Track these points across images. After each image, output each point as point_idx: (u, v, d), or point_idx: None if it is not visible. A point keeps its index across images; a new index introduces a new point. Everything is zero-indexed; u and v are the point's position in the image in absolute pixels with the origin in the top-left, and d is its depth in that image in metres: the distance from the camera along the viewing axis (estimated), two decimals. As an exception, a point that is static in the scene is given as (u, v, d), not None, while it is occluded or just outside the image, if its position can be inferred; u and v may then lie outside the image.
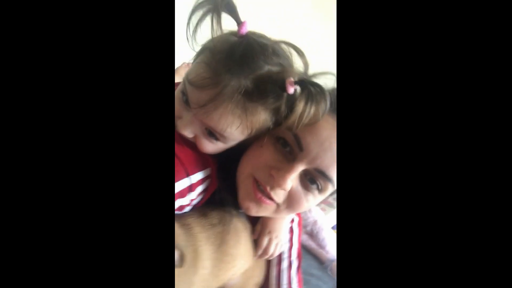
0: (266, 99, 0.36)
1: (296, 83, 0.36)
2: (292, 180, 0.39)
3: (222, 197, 0.46)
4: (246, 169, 0.43)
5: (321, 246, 0.98)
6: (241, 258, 0.46)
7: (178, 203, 0.41)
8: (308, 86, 0.36)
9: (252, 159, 0.42)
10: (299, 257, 0.56)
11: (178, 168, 0.40)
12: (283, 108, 0.38)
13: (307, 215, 1.03)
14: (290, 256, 0.54)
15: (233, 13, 0.36)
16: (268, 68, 0.36)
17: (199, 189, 0.43)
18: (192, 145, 0.42)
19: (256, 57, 0.36)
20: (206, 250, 0.41)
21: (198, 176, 0.42)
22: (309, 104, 0.36)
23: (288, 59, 0.39)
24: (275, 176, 0.39)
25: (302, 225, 1.00)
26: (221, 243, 0.43)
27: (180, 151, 0.41)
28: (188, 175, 0.40)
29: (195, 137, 0.41)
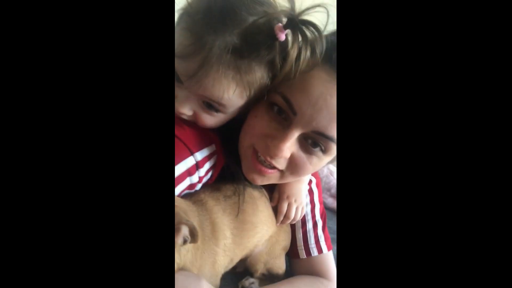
0: (258, 53, 0.34)
1: (285, 27, 0.33)
2: (289, 147, 0.38)
3: (232, 171, 0.46)
4: (245, 141, 0.42)
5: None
6: (263, 225, 0.46)
7: (187, 181, 0.42)
8: (299, 26, 0.33)
9: (249, 129, 0.42)
10: (323, 216, 0.55)
11: (180, 147, 0.40)
12: (278, 59, 0.35)
13: (329, 178, 1.02)
14: (314, 216, 0.54)
15: None
16: (252, 18, 0.34)
17: (207, 165, 0.44)
18: (192, 124, 0.42)
19: (237, 9, 0.33)
20: (224, 221, 0.41)
21: (203, 153, 0.42)
22: (303, 46, 0.33)
23: (271, 4, 0.36)
24: (270, 145, 0.38)
25: (326, 188, 0.99)
26: (239, 213, 0.43)
27: (180, 131, 0.41)
28: (192, 153, 0.41)
29: (194, 114, 0.40)
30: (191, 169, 0.41)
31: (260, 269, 0.48)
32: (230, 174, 0.46)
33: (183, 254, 0.35)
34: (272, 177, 0.43)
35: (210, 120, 0.40)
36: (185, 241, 0.32)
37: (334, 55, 0.34)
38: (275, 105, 0.38)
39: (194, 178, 0.42)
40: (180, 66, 0.36)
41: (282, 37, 0.33)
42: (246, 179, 0.46)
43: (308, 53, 0.34)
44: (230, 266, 0.45)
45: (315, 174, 0.57)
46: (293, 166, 0.40)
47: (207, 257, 0.38)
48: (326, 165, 0.45)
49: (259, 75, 0.36)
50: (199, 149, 0.41)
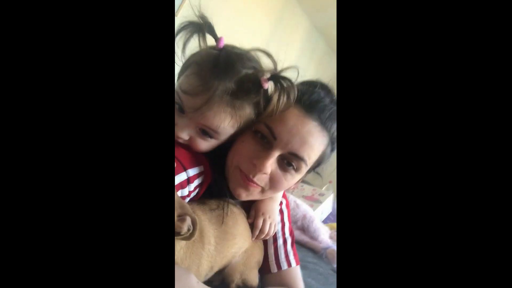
0: (248, 96, 0.47)
1: (269, 79, 0.47)
2: (270, 165, 0.49)
3: (218, 188, 0.54)
4: (233, 162, 0.52)
5: (314, 238, 1.04)
6: (241, 237, 0.53)
7: (179, 193, 0.48)
8: (279, 80, 0.47)
9: (236, 153, 0.52)
10: (291, 234, 0.64)
11: (176, 164, 0.48)
12: (262, 101, 0.49)
13: (296, 211, 1.10)
14: (284, 234, 0.62)
15: (212, 32, 0.48)
16: (245, 71, 0.47)
17: (196, 182, 0.51)
18: (186, 146, 0.51)
19: (236, 64, 0.46)
20: (209, 229, 0.47)
21: (194, 171, 0.50)
22: (282, 94, 0.47)
23: (258, 62, 0.50)
24: (256, 163, 0.49)
25: (293, 221, 1.07)
26: (221, 224, 0.50)
27: (176, 151, 0.49)
28: (185, 169, 0.48)
29: (190, 139, 0.50)
30: (183, 182, 0.48)
31: (236, 279, 0.53)
32: (216, 191, 0.54)
33: (177, 249, 0.40)
34: (255, 192, 0.53)
35: (204, 144, 0.50)
36: (188, 230, 0.37)
37: (304, 99, 0.49)
38: (259, 132, 0.50)
39: (185, 191, 0.49)
40: (187, 101, 0.46)
41: (266, 86, 0.47)
42: (230, 196, 0.54)
43: (285, 98, 0.48)
44: (210, 274, 0.49)
45: (284, 196, 0.66)
46: (272, 182, 0.51)
47: (195, 257, 0.43)
48: (294, 187, 0.56)
49: (248, 111, 0.49)
50: (191, 167, 0.50)
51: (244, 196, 0.53)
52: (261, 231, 0.58)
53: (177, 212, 0.37)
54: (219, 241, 0.48)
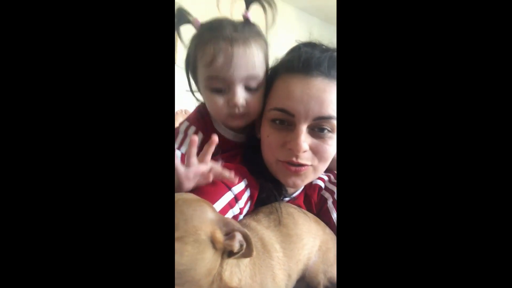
0: (250, 33, 0.53)
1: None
2: (305, 141, 0.46)
3: (268, 192, 0.52)
4: (271, 159, 0.51)
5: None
6: (308, 236, 0.49)
7: (230, 213, 0.47)
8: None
9: (268, 148, 0.50)
10: None
11: (218, 185, 0.47)
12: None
13: None
14: None
15: (186, 20, 0.54)
16: (226, 21, 0.53)
17: (244, 197, 0.49)
18: (227, 164, 0.50)
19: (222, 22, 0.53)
20: (271, 236, 0.45)
21: (239, 187, 0.49)
22: (266, 9, 0.54)
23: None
24: (291, 147, 0.46)
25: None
26: (281, 227, 0.46)
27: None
28: (229, 188, 0.47)
29: (246, 103, 0.51)
30: (231, 202, 0.47)
31: (322, 280, 0.48)
32: (266, 197, 0.51)
33: (242, 269, 0.37)
34: (308, 173, 0.50)
35: (255, 99, 0.51)
36: (241, 246, 0.35)
37: (295, 64, 0.47)
38: (276, 119, 0.48)
39: (236, 210, 0.48)
40: (213, 70, 0.49)
41: (248, 16, 0.53)
42: (280, 196, 0.51)
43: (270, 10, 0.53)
44: (290, 284, 0.45)
45: (332, 172, 0.62)
46: (317, 154, 0.48)
47: (265, 271, 0.40)
48: None
49: (260, 42, 0.52)
50: (235, 184, 0.48)
51: (300, 183, 0.51)
52: None
53: (222, 231, 0.35)
54: (286, 245, 0.45)
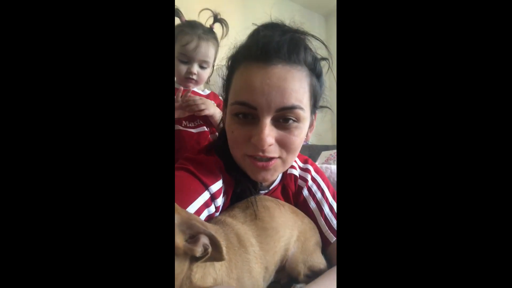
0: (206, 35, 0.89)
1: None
2: (269, 135, 0.44)
3: (243, 187, 0.51)
4: (237, 154, 0.49)
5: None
6: (285, 228, 0.49)
7: (205, 213, 0.46)
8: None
9: (234, 144, 0.48)
10: (335, 197, 0.59)
11: (195, 183, 0.46)
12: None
13: (333, 175, 1.03)
14: (327, 200, 0.58)
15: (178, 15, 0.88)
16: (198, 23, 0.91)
17: (221, 196, 0.49)
18: (200, 162, 0.49)
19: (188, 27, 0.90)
20: (246, 230, 0.44)
21: (217, 186, 0.48)
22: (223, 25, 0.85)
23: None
24: (255, 142, 0.44)
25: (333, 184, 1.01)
26: (257, 221, 0.46)
27: (193, 169, 0.47)
28: (207, 187, 0.46)
29: (198, 74, 0.90)
30: (207, 202, 0.46)
31: (302, 270, 0.49)
32: (240, 192, 0.51)
33: (217, 268, 0.37)
34: (277, 167, 0.48)
35: (204, 74, 0.90)
36: (205, 250, 0.33)
37: (253, 51, 0.44)
38: (238, 113, 0.46)
39: (212, 209, 0.47)
40: (184, 50, 0.85)
41: (213, 27, 0.91)
42: (256, 190, 0.51)
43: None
44: (268, 276, 0.46)
45: (311, 163, 0.62)
46: (284, 146, 0.46)
47: (242, 265, 0.40)
48: (309, 137, 0.51)
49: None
50: (213, 182, 0.47)
51: (270, 177, 0.49)
52: None
53: (185, 234, 0.32)
54: (262, 239, 0.45)
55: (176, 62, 0.88)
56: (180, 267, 0.33)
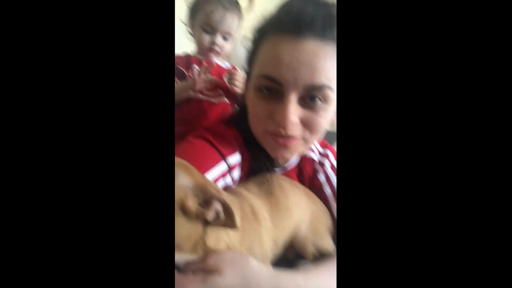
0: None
1: None
2: (294, 113, 0.43)
3: (260, 163, 0.52)
4: (258, 129, 0.48)
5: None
6: (296, 208, 0.50)
7: (221, 182, 0.47)
8: None
9: (255, 119, 0.48)
10: None
11: (213, 153, 0.46)
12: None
13: None
14: None
15: None
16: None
17: (237, 169, 0.50)
18: (219, 132, 0.49)
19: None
20: (261, 204, 0.45)
21: (234, 158, 0.49)
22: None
23: None
24: (279, 119, 0.43)
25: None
26: (271, 197, 0.47)
27: (211, 138, 0.48)
28: (224, 157, 0.47)
29: (221, 46, 0.92)
30: (224, 172, 0.47)
31: (310, 250, 0.50)
32: (257, 168, 0.51)
33: (231, 234, 0.38)
34: (298, 146, 0.47)
35: (227, 45, 0.92)
36: (217, 215, 0.33)
37: (284, 24, 0.42)
38: (263, 88, 0.44)
39: (228, 180, 0.48)
40: (208, 19, 0.88)
41: None
42: (273, 167, 0.51)
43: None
44: (275, 249, 0.47)
45: (330, 148, 0.62)
46: (308, 126, 0.45)
47: (254, 236, 0.42)
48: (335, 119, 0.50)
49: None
50: (230, 153, 0.48)
51: (289, 156, 0.49)
52: None
53: (198, 198, 0.32)
54: (273, 214, 0.46)
55: (199, 31, 0.89)
56: (194, 229, 0.34)
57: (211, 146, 0.47)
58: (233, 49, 0.96)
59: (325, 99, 0.43)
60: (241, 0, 0.92)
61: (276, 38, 0.42)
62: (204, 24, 0.87)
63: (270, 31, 0.44)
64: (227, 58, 0.99)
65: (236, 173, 0.50)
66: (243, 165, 0.51)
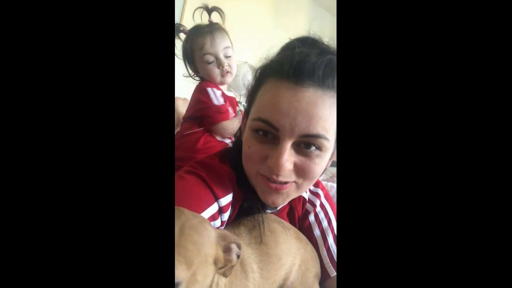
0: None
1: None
2: (288, 160, 0.41)
3: (251, 204, 0.49)
4: (251, 171, 0.46)
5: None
6: (287, 256, 0.47)
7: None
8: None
9: (248, 160, 0.45)
10: None
11: (206, 193, 0.44)
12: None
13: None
14: (332, 230, 0.56)
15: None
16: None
17: (229, 211, 0.47)
18: (213, 170, 0.47)
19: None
20: (249, 254, 0.42)
21: (226, 199, 0.46)
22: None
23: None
24: (272, 164, 0.41)
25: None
26: (262, 245, 0.44)
27: (208, 175, 0.45)
28: (217, 199, 0.44)
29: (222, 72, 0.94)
30: (215, 214, 0.44)
31: (297, 301, 0.47)
32: (247, 208, 0.49)
33: (220, 286, 0.35)
34: (290, 192, 0.45)
35: (232, 63, 0.94)
36: (238, 257, 0.34)
37: (286, 68, 0.41)
38: (259, 130, 0.43)
39: (217, 223, 0.45)
40: (205, 49, 0.91)
41: (211, 19, 0.97)
42: (264, 209, 0.49)
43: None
44: None
45: (322, 187, 0.59)
46: (301, 173, 0.43)
47: (239, 292, 0.39)
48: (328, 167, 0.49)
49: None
50: (223, 195, 0.45)
51: (281, 202, 0.47)
52: None
53: (221, 247, 0.32)
54: (263, 266, 0.43)
55: (207, 67, 0.91)
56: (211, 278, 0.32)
57: (205, 185, 0.44)
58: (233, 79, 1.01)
59: (320, 147, 0.42)
60: (216, 18, 0.96)
61: (276, 82, 0.42)
62: (205, 57, 0.89)
63: (271, 73, 0.43)
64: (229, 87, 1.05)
65: (226, 215, 0.47)
66: (234, 204, 0.48)
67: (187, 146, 0.88)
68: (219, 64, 0.91)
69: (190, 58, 0.94)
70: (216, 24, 0.94)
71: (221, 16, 0.96)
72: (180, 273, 0.27)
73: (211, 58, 0.90)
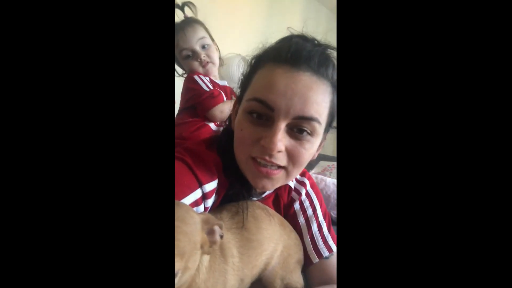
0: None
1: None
2: (281, 140, 0.42)
3: (236, 191, 0.49)
4: (242, 154, 0.46)
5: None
6: (269, 241, 0.47)
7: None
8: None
9: (240, 143, 0.46)
10: (326, 216, 0.57)
11: (189, 178, 0.44)
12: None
13: (325, 188, 1.03)
14: (317, 218, 0.56)
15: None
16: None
17: (213, 197, 0.47)
18: (197, 155, 0.46)
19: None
20: (230, 239, 0.43)
21: (211, 185, 0.46)
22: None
23: None
24: (265, 144, 0.42)
25: (325, 200, 1.01)
26: (243, 231, 0.45)
27: (193, 160, 0.45)
28: (201, 185, 0.44)
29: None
30: (198, 200, 0.44)
31: (278, 285, 0.47)
32: (232, 194, 0.49)
33: (201, 272, 0.36)
34: (279, 178, 0.46)
35: (211, 53, 0.96)
36: (221, 237, 0.36)
37: (283, 54, 0.43)
38: (253, 112, 0.43)
39: (200, 208, 0.45)
40: (183, 44, 0.94)
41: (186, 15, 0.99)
42: (249, 196, 0.49)
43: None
44: (243, 286, 0.44)
45: (308, 177, 0.60)
46: (292, 157, 0.44)
47: (218, 276, 0.39)
48: (317, 159, 0.50)
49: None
50: (208, 181, 0.45)
51: (270, 186, 0.47)
52: None
53: (205, 230, 0.34)
54: (244, 251, 0.43)
55: (187, 63, 0.94)
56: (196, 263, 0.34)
57: (189, 170, 0.44)
58: (220, 55, 1.00)
59: (312, 132, 0.43)
60: (188, 13, 0.98)
61: (273, 66, 0.43)
62: (181, 52, 0.92)
63: (267, 59, 0.45)
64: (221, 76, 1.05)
65: (210, 202, 0.47)
66: (219, 191, 0.48)
67: (177, 135, 0.87)
68: (197, 57, 0.92)
69: (175, 58, 0.97)
70: (189, 18, 0.95)
71: (191, 8, 0.97)
72: (176, 264, 0.28)
73: (187, 53, 0.92)
